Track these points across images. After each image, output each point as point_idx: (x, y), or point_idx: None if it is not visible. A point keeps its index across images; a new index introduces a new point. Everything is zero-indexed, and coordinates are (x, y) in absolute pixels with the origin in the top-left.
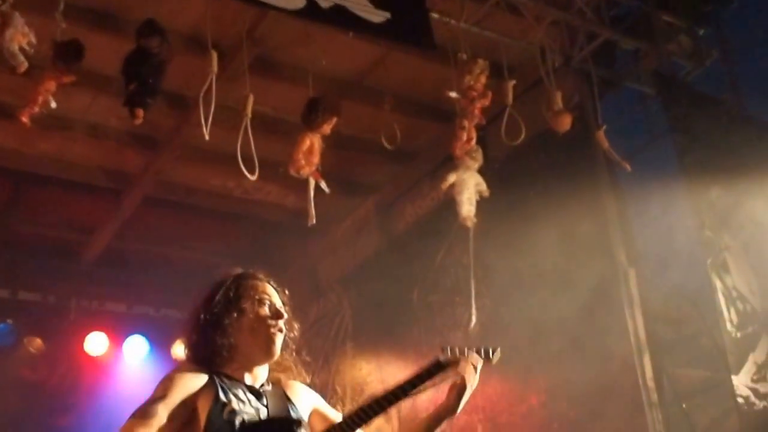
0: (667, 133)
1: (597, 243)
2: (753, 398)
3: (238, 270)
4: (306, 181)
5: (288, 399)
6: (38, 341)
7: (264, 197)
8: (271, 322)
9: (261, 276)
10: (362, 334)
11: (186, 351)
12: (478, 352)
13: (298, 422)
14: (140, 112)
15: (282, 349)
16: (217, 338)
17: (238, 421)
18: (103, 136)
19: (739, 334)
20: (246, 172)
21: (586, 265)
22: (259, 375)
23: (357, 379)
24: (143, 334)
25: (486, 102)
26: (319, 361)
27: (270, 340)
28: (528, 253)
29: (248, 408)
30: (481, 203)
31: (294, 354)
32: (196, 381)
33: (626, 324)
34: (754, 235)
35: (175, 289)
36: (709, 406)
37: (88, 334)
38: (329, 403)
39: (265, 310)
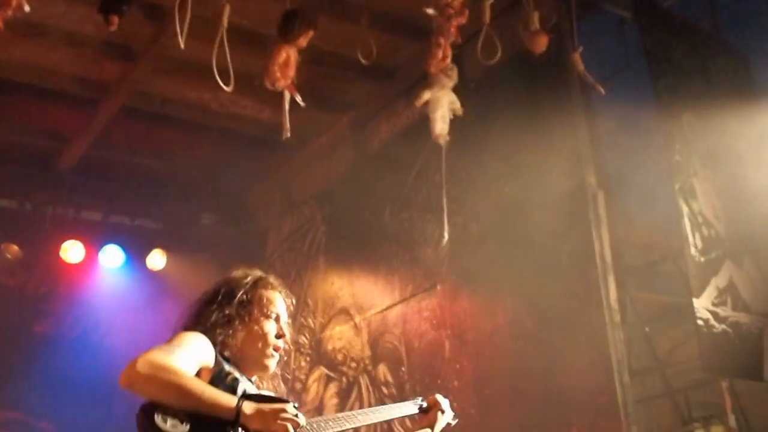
0: (642, 58)
1: (568, 165)
2: (713, 321)
3: (257, 274)
4: (281, 95)
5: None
6: (15, 248)
7: (240, 110)
8: (272, 341)
9: (276, 285)
10: (334, 249)
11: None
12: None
13: (294, 405)
14: (115, 19)
15: None
16: (224, 337)
17: (239, 388)
18: (79, 45)
19: (702, 259)
20: (221, 84)
21: (556, 187)
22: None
23: (328, 293)
24: (118, 244)
25: (463, 20)
26: (292, 274)
27: (267, 358)
28: (500, 172)
29: (244, 384)
30: (456, 122)
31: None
32: (207, 349)
33: (593, 246)
34: (722, 162)
35: (150, 200)
36: (671, 330)
37: (64, 241)
38: (301, 315)
39: (271, 327)
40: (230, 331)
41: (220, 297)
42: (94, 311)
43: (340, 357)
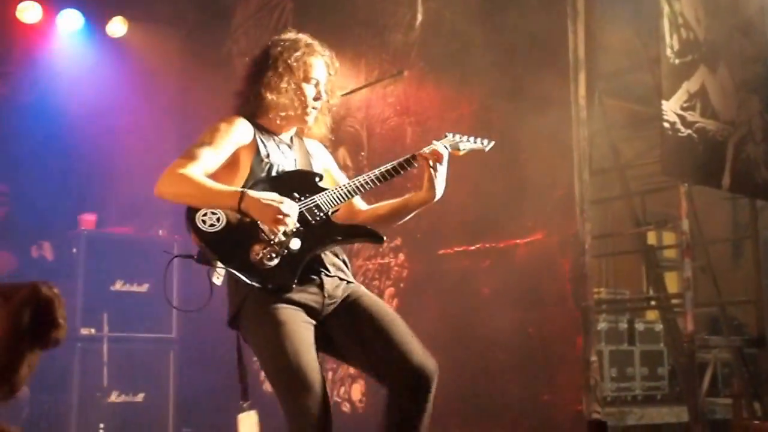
0: None
1: None
2: (679, 125)
3: (303, 41)
4: None
5: (308, 153)
6: None
7: None
8: (310, 102)
9: (319, 51)
10: (301, 29)
11: (236, 101)
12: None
13: (320, 176)
14: None
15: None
16: (266, 94)
17: (274, 170)
18: None
19: (677, 61)
20: None
21: None
22: (291, 130)
23: None
24: (77, 8)
25: None
26: (256, 51)
27: (305, 116)
28: None
29: (281, 158)
30: None
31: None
32: (244, 131)
33: (567, 40)
34: None
35: None
36: (635, 139)
37: (20, 1)
38: None
39: (310, 91)
40: (276, 95)
41: (269, 62)
42: (52, 75)
43: None
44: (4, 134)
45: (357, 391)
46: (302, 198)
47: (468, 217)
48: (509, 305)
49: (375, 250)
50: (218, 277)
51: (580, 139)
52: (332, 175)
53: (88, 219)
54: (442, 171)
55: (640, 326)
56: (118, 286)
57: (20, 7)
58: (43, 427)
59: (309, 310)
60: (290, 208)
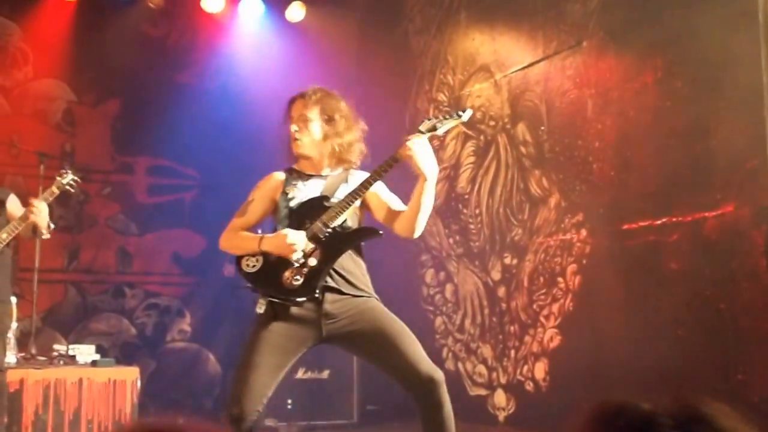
0: None
1: None
2: None
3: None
4: None
5: (345, 182)
6: None
7: None
8: (292, 136)
9: (296, 97)
10: (476, 3)
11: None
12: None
13: (327, 197)
14: None
15: (312, 146)
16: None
17: (293, 204)
18: None
19: None
20: None
21: None
22: (319, 165)
23: (469, 50)
24: None
25: None
26: (432, 30)
27: (291, 147)
28: None
29: (302, 193)
30: None
31: (349, 147)
32: (274, 183)
33: (756, 2)
34: None
35: None
36: None
37: None
38: (440, 72)
39: (290, 127)
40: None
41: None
42: (234, 62)
43: (478, 115)
44: (192, 121)
45: (540, 369)
46: (314, 221)
47: (652, 190)
48: (698, 281)
49: (556, 226)
50: (261, 306)
51: None
52: (380, 199)
53: None
54: (421, 157)
55: None
56: None
57: None
58: None
59: (304, 323)
60: (295, 235)
